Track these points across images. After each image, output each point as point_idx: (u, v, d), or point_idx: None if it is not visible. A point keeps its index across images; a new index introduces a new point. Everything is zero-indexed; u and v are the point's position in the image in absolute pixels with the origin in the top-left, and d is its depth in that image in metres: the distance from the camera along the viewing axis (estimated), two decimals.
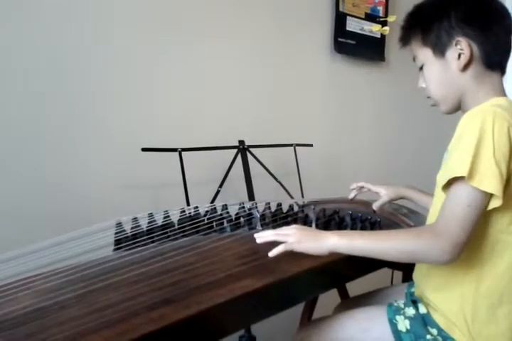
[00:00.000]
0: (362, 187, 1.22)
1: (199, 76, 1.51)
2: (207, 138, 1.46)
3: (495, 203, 0.78)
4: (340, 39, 1.90)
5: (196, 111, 1.51)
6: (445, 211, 0.80)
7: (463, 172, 0.76)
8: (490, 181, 0.76)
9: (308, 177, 1.54)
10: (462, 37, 0.87)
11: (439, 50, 0.90)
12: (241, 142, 1.36)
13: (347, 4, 1.90)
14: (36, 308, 0.66)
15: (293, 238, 0.83)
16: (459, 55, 0.88)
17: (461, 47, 0.87)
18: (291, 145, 1.48)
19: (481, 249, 0.83)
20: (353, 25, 1.93)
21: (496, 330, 0.84)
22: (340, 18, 1.89)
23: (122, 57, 1.35)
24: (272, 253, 0.84)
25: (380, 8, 2.02)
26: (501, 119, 0.78)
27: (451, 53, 0.89)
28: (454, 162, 0.79)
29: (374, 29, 1.98)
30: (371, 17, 1.99)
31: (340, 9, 1.88)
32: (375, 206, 1.21)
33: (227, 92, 1.59)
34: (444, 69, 0.91)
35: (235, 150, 1.35)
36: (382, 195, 1.18)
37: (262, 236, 0.86)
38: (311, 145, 1.54)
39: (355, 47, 1.95)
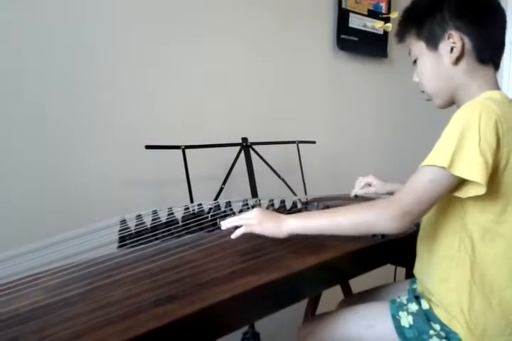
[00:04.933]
0: (369, 184, 1.24)
1: (201, 73, 1.51)
2: (210, 135, 1.47)
3: (478, 191, 0.78)
4: (342, 36, 1.89)
5: (199, 109, 1.51)
6: (406, 184, 0.82)
7: (444, 163, 0.77)
8: (470, 168, 0.76)
9: (311, 174, 1.54)
10: (454, 30, 0.88)
11: (432, 43, 0.91)
12: (244, 139, 1.36)
13: (349, 1, 1.89)
14: (42, 305, 0.67)
15: (254, 220, 0.88)
16: (452, 49, 0.89)
17: (453, 41, 0.88)
18: (294, 142, 1.48)
19: (473, 238, 0.84)
20: (355, 21, 1.93)
21: (492, 319, 0.84)
22: (342, 15, 1.88)
23: (124, 55, 1.35)
24: (234, 235, 0.89)
25: (383, 5, 2.02)
26: (489, 111, 0.78)
27: (444, 46, 0.90)
28: (436, 150, 0.80)
29: (377, 26, 1.98)
30: (374, 13, 1.99)
31: (343, 6, 1.87)
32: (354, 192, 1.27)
33: (230, 89, 1.59)
34: (437, 62, 0.92)
35: (238, 148, 1.35)
36: (373, 185, 1.22)
37: (227, 222, 0.90)
38: (314, 143, 1.54)
39: (357, 43, 1.94)
